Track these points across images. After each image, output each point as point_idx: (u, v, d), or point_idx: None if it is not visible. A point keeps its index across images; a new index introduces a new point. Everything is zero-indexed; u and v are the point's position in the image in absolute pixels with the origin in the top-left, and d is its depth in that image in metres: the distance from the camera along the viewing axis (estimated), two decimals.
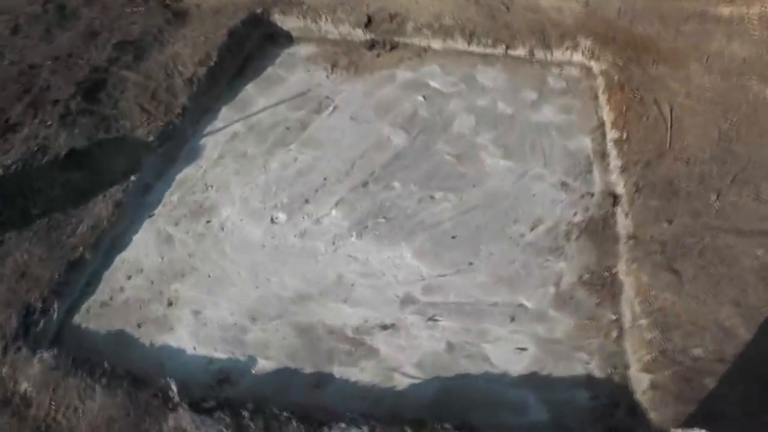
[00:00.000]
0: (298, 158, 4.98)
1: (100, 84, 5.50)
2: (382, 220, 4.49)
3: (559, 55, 6.13)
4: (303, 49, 6.11)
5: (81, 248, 4.41)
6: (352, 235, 4.41)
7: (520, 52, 6.14)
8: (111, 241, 4.53)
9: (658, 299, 3.82)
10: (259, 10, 6.22)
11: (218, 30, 5.95)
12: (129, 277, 4.28)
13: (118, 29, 5.97)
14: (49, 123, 5.17)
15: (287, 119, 5.33)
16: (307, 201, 4.66)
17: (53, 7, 6.21)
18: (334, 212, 4.57)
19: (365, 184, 4.75)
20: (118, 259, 4.41)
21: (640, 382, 3.53)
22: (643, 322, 3.73)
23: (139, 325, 4.02)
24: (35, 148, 5.09)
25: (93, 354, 3.88)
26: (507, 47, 6.16)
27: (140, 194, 4.79)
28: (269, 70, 5.85)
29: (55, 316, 4.10)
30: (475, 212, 4.56)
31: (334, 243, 4.38)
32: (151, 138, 5.04)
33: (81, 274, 4.36)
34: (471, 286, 4.11)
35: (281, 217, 4.56)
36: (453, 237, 4.41)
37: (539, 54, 6.14)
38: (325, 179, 4.81)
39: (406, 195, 4.65)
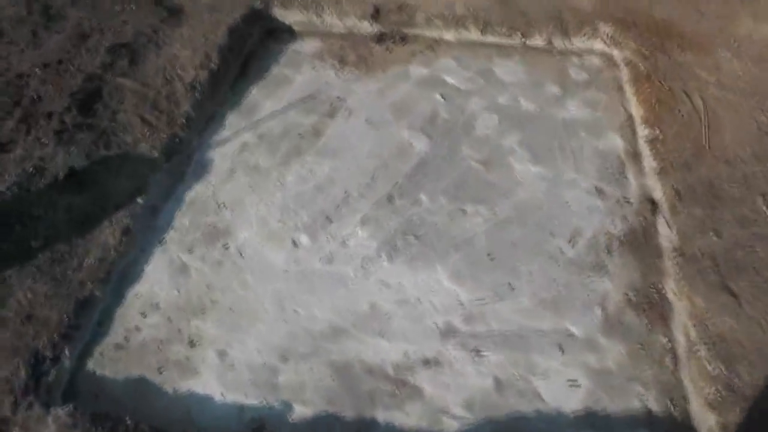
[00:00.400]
0: (315, 170, 4.55)
1: (95, 94, 4.98)
2: (413, 238, 4.11)
3: (578, 43, 5.70)
4: (307, 45, 5.61)
5: (90, 284, 3.99)
6: (381, 257, 4.03)
7: (538, 41, 5.69)
8: (121, 274, 4.11)
9: (715, 324, 3.51)
10: (258, 4, 5.69)
11: (217, 28, 5.42)
12: (144, 315, 3.88)
13: (110, 31, 5.42)
14: (44, 140, 4.68)
15: (299, 125, 4.88)
16: (329, 219, 4.26)
17: (38, 8, 5.61)
18: (359, 231, 4.18)
19: (390, 198, 4.35)
20: (130, 294, 4.00)
21: (705, 420, 3.24)
22: (702, 350, 3.42)
23: (159, 370, 3.64)
24: (31, 170, 4.60)
25: (111, 405, 3.51)
26: (523, 36, 5.71)
27: (148, 218, 4.35)
28: (273, 69, 5.36)
29: (67, 363, 3.71)
30: (509, 226, 4.19)
31: (363, 267, 4.00)
32: (155, 153, 4.58)
33: (92, 314, 3.94)
34: (513, 312, 3.77)
35: (303, 238, 4.16)
36: (488, 255, 4.05)
37: (557, 43, 5.69)
38: (346, 193, 4.40)
39: (436, 209, 4.27)
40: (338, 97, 5.11)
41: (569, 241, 4.15)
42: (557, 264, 4.01)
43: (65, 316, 3.90)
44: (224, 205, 4.37)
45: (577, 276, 3.94)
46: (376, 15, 5.75)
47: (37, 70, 5.16)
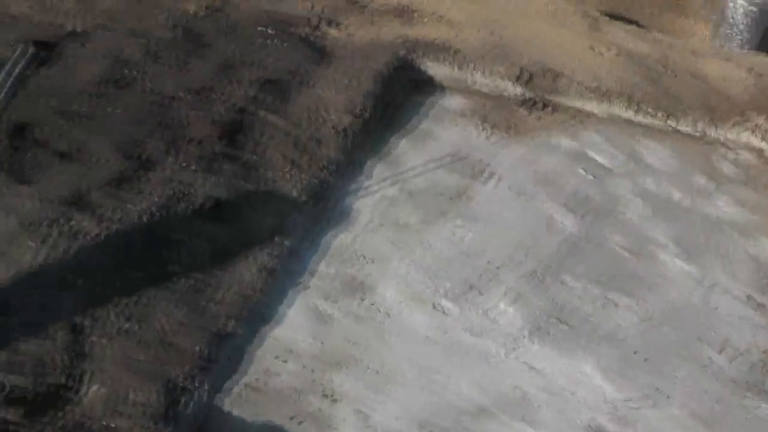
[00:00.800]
0: (459, 234, 4.73)
1: (240, 125, 5.28)
2: (561, 323, 4.24)
3: (728, 133, 5.80)
4: (453, 101, 5.84)
5: (228, 318, 4.22)
6: (526, 337, 4.17)
7: (686, 126, 5.82)
8: (258, 313, 4.33)
9: None
10: (403, 53, 5.97)
11: (364, 74, 5.71)
12: (281, 359, 4.07)
13: (257, 64, 5.73)
14: (192, 167, 4.98)
15: (443, 184, 5.08)
16: (472, 288, 4.42)
17: (187, 34, 5.99)
18: (503, 305, 4.33)
19: (536, 275, 4.50)
20: (267, 336, 4.21)
21: None
22: None
23: (296, 420, 3.81)
24: (173, 193, 4.92)
25: None
26: (671, 119, 5.84)
27: (287, 259, 4.58)
28: (418, 122, 5.60)
29: (203, 397, 3.93)
30: (659, 326, 4.29)
31: (506, 345, 4.14)
32: (299, 194, 4.84)
33: (229, 350, 4.16)
34: (663, 421, 3.84)
35: (446, 305, 4.33)
36: (637, 353, 4.14)
37: (706, 129, 5.81)
38: (490, 263, 4.56)
39: (585, 296, 4.39)
40: (482, 160, 5.32)
41: (720, 352, 4.22)
42: (708, 375, 4.07)
43: (202, 347, 4.15)
44: (366, 258, 4.58)
45: (733, 394, 3.99)
46: (521, 77, 5.97)
47: (184, 95, 5.51)
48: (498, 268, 4.54)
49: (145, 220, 4.76)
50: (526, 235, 4.76)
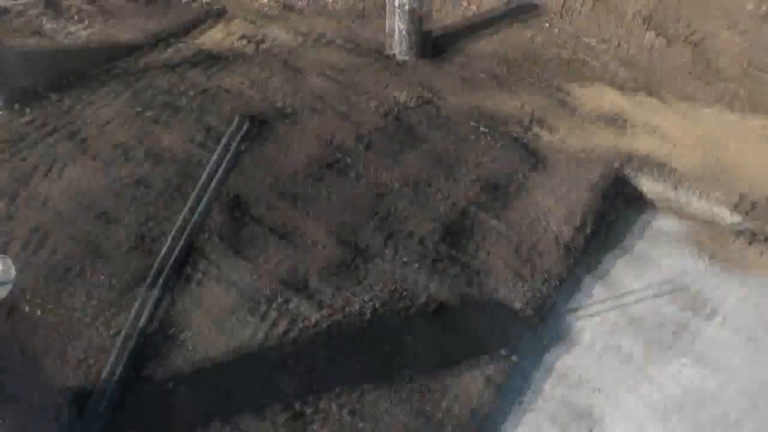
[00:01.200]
0: (687, 374, 4.78)
1: (460, 225, 5.56)
2: None
3: None
4: (666, 222, 5.94)
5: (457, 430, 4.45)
6: None
7: None
8: (485, 430, 4.53)
9: None
10: (617, 165, 6.15)
11: (581, 184, 5.92)
12: None
13: (473, 162, 6.03)
14: (414, 264, 5.26)
15: (664, 314, 5.15)
16: None
17: (399, 123, 6.39)
18: None
19: None
20: None
21: None
22: None
23: None
24: (395, 288, 5.22)
25: None
26: None
27: (511, 375, 4.79)
28: (632, 241, 5.72)
29: None
30: None
31: None
32: (526, 309, 5.03)
33: None
34: None
35: None
36: None
37: None
38: (724, 413, 4.57)
39: None
40: (701, 292, 5.36)
41: None
42: None
43: None
44: (592, 386, 4.68)
45: None
46: (740, 205, 5.99)
47: (400, 186, 5.84)
48: (735, 420, 4.55)
49: (367, 313, 5.10)
50: (763, 388, 4.74)
